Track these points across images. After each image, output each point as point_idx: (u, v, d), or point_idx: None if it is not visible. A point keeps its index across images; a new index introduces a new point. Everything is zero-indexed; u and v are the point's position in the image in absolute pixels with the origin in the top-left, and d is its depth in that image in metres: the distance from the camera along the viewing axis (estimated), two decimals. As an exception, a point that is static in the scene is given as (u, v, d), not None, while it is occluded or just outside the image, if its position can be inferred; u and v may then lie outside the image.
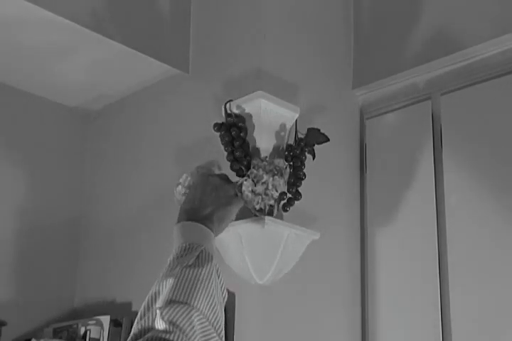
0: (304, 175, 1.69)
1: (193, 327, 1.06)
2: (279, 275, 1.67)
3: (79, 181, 2.32)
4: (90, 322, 1.98)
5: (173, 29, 2.08)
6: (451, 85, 1.89)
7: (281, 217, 1.67)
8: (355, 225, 1.97)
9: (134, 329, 1.07)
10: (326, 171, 1.88)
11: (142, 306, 1.11)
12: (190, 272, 1.14)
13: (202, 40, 2.07)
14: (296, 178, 1.69)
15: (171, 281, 1.12)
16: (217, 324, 1.11)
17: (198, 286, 1.12)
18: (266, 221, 1.60)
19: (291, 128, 1.75)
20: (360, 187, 2.00)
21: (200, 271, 1.15)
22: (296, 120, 1.75)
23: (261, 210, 1.61)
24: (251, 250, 1.63)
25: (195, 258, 1.18)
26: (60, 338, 2.02)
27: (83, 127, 2.37)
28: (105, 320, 1.96)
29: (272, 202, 1.60)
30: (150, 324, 1.05)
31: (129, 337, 1.07)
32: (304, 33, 1.98)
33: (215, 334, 1.10)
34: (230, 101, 1.71)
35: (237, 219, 1.70)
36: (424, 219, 1.83)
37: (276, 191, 1.60)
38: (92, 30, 1.90)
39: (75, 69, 2.12)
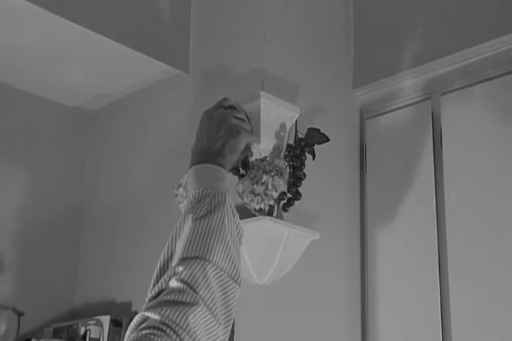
0: (304, 175, 1.69)
1: (209, 284, 1.04)
2: (279, 275, 1.67)
3: (79, 181, 2.32)
4: (90, 322, 1.98)
5: (173, 29, 2.08)
6: (451, 85, 1.89)
7: (281, 217, 1.67)
8: (355, 225, 1.97)
9: (152, 292, 1.05)
10: (326, 171, 1.88)
11: (158, 267, 1.09)
12: (202, 223, 1.11)
13: (202, 40, 2.07)
14: (296, 178, 1.68)
15: (183, 237, 1.10)
16: (233, 271, 1.09)
17: (211, 237, 1.09)
18: (266, 221, 1.60)
19: (291, 128, 1.75)
20: (360, 187, 2.00)
21: (212, 219, 1.12)
22: (296, 120, 1.75)
23: (261, 210, 1.61)
24: (251, 250, 1.63)
25: (207, 204, 1.15)
26: (60, 338, 2.02)
27: (83, 127, 2.37)
28: (105, 320, 1.96)
29: (271, 202, 1.61)
30: (165, 286, 1.04)
31: (147, 299, 1.05)
32: (304, 33, 1.98)
33: (232, 283, 1.08)
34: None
35: (237, 219, 1.70)
36: (424, 218, 1.84)
37: (276, 191, 1.60)
38: (92, 30, 1.90)
39: (75, 69, 2.12)
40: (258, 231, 1.61)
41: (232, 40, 1.96)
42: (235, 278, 1.09)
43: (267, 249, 1.63)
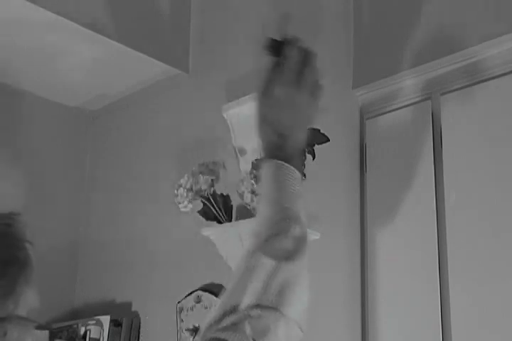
0: (304, 175, 1.69)
1: (277, 338, 0.96)
2: (279, 275, 1.67)
3: (80, 180, 2.32)
4: (90, 322, 1.98)
5: (173, 29, 2.09)
6: (451, 85, 1.88)
7: (281, 217, 1.67)
8: (355, 225, 1.96)
9: (218, 325, 0.94)
10: (326, 171, 1.88)
11: (229, 295, 0.98)
12: (284, 269, 0.99)
13: (202, 40, 2.07)
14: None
15: (261, 277, 0.97)
16: (302, 321, 1.02)
17: (291, 288, 1.00)
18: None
19: (291, 128, 1.74)
20: (360, 187, 2.00)
21: (294, 266, 1.01)
22: (297, 120, 1.74)
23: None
24: (251, 250, 1.63)
25: (290, 243, 1.01)
26: (60, 338, 2.02)
27: (83, 127, 2.37)
28: (105, 320, 1.96)
29: (271, 202, 1.60)
30: (232, 326, 0.94)
31: (211, 326, 0.95)
32: (304, 34, 1.98)
33: (299, 332, 1.01)
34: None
35: (237, 219, 1.70)
36: (424, 218, 1.83)
37: (276, 191, 1.59)
38: (92, 30, 1.90)
39: (75, 69, 2.12)
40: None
41: (232, 40, 1.96)
42: (302, 327, 1.02)
43: (267, 249, 1.62)
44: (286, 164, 1.07)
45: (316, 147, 1.71)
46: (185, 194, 1.61)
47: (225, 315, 0.96)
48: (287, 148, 1.09)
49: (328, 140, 1.72)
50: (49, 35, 1.94)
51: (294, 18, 1.97)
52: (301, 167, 1.10)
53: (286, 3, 1.95)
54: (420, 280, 1.81)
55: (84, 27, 1.88)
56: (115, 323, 1.96)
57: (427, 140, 1.88)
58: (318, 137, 1.71)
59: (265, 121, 1.12)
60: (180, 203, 1.64)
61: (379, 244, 1.91)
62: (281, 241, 1.01)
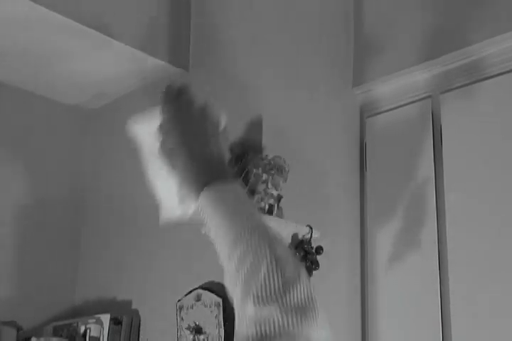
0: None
1: None
2: (279, 274, 1.67)
3: (79, 180, 2.32)
4: (90, 320, 1.98)
5: (173, 28, 2.08)
6: (451, 84, 1.88)
7: (281, 216, 1.67)
8: (356, 224, 1.96)
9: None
10: (325, 170, 1.88)
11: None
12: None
13: (202, 39, 2.07)
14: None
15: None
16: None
17: None
18: (266, 220, 1.60)
19: (291, 128, 1.74)
20: (360, 186, 2.00)
21: None
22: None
23: (261, 209, 1.61)
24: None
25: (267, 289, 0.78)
26: (61, 336, 2.02)
27: (83, 125, 2.37)
28: (105, 318, 1.96)
29: (271, 200, 1.60)
30: None
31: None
32: (304, 33, 1.98)
33: None
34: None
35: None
36: (424, 218, 1.83)
37: (276, 190, 1.60)
38: (92, 29, 1.90)
39: (75, 68, 2.12)
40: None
41: (232, 40, 1.95)
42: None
43: (266, 248, 1.62)
44: (218, 185, 0.88)
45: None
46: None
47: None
48: (205, 162, 0.91)
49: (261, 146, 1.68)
50: (49, 35, 1.93)
51: (294, 18, 1.97)
52: (230, 175, 0.90)
53: (287, 3, 1.95)
54: (420, 279, 1.81)
55: (84, 26, 1.87)
56: (115, 321, 1.96)
57: (427, 138, 1.88)
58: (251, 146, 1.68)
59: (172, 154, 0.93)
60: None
61: (379, 244, 1.91)
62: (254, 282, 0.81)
